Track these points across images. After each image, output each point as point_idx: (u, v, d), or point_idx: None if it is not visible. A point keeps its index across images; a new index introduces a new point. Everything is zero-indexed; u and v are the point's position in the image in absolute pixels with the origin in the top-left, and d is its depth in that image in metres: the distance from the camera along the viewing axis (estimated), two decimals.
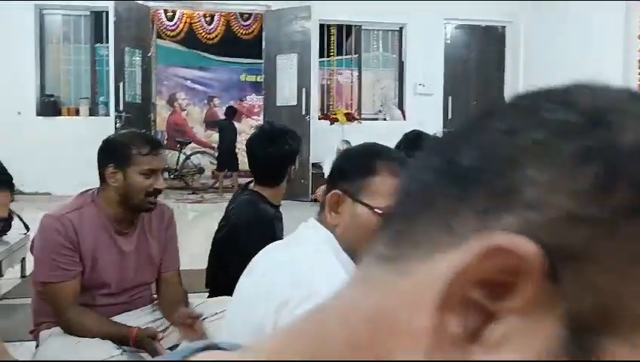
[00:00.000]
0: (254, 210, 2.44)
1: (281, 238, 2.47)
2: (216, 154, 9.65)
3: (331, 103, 9.45)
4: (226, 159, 9.13)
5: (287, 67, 8.43)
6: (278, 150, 2.46)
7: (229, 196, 8.45)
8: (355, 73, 9.57)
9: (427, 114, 8.35)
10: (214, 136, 10.38)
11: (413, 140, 2.82)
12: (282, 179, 2.50)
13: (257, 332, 1.19)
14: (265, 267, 1.29)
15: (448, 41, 9.35)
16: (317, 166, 7.98)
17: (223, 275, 2.47)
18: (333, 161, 1.40)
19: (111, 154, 2.16)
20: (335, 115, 8.92)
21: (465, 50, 9.60)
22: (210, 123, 10.92)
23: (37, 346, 2.16)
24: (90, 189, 2.24)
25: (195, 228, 6.27)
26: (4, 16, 7.68)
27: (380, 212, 1.19)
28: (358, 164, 1.29)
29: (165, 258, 2.29)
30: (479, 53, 9.62)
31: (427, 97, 8.96)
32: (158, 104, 9.43)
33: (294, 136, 2.56)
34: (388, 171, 1.23)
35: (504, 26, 9.34)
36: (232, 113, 9.36)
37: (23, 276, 4.03)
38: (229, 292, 2.32)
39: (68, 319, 2.05)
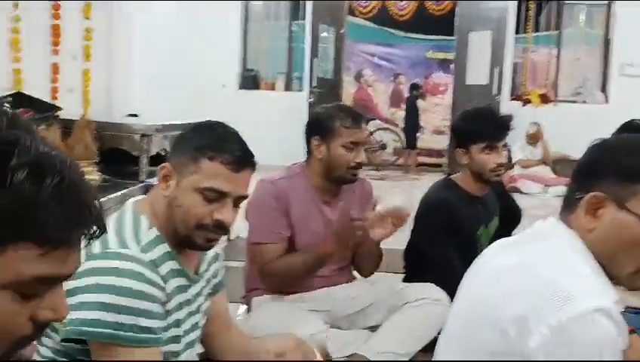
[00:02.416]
0: (443, 196, 2.41)
1: (473, 229, 2.41)
2: (401, 131, 9.66)
3: (523, 83, 8.94)
4: (409, 137, 9.11)
5: (479, 44, 8.12)
6: None
7: (411, 175, 8.49)
8: (553, 51, 8.94)
9: (636, 98, 7.56)
10: (398, 113, 10.37)
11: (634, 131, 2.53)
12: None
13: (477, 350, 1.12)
14: (490, 271, 1.21)
15: None
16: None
17: (417, 258, 2.47)
18: (586, 154, 1.17)
19: (316, 126, 2.23)
20: (528, 95, 8.43)
21: None
22: (396, 100, 10.91)
23: (248, 311, 2.32)
24: (297, 162, 2.34)
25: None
26: None
27: None
28: (628, 163, 1.09)
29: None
30: None
31: (636, 79, 8.10)
32: (345, 80, 9.62)
33: None
34: None
35: None
36: (417, 91, 9.26)
37: (228, 239, 4.34)
38: (424, 278, 2.32)
39: (272, 274, 2.14)
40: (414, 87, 9.38)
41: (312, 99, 7.79)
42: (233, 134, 1.38)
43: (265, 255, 2.14)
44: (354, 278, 2.41)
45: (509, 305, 1.06)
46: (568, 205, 1.17)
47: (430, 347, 2.21)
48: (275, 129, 7.30)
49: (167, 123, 4.40)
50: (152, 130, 4.24)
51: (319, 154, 2.19)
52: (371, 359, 2.05)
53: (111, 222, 1.33)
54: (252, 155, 1.38)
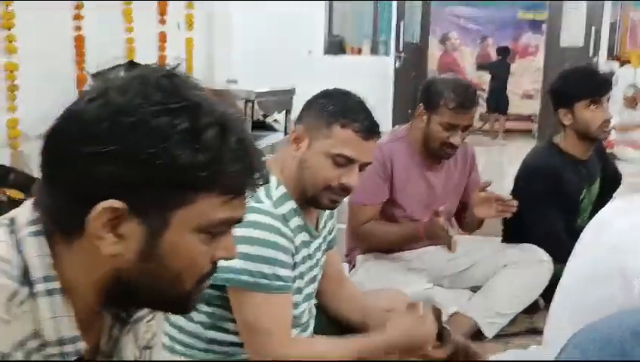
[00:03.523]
0: (547, 161, 2.39)
1: (577, 193, 2.38)
2: (486, 96, 9.41)
3: (622, 43, 8.48)
4: (496, 102, 8.88)
5: (574, 3, 7.75)
6: None
7: (499, 141, 8.30)
8: None
9: None
10: (485, 77, 10.10)
11: None
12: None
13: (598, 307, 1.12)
14: (617, 229, 1.22)
15: None
16: None
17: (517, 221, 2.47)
18: None
19: (426, 95, 2.24)
20: (627, 56, 8.00)
21: None
22: (482, 65, 10.62)
23: (350, 269, 2.40)
24: (402, 125, 2.38)
25: None
26: None
27: None
28: None
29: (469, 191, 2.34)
30: None
31: None
32: (431, 43, 9.44)
33: None
34: None
35: None
36: (504, 53, 8.97)
37: None
38: (524, 240, 2.32)
39: (366, 235, 2.21)
40: (502, 50, 9.09)
41: (398, 64, 7.73)
42: (362, 103, 1.45)
43: (361, 216, 2.21)
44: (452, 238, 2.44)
45: (637, 262, 1.08)
46: None
47: (531, 309, 2.23)
48: (361, 93, 7.31)
49: (266, 90, 4.51)
50: (253, 96, 4.36)
51: (420, 123, 2.22)
52: (474, 318, 2.09)
53: None
54: (378, 124, 1.44)
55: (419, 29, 8.40)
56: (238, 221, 0.77)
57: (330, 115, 1.40)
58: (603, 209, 1.35)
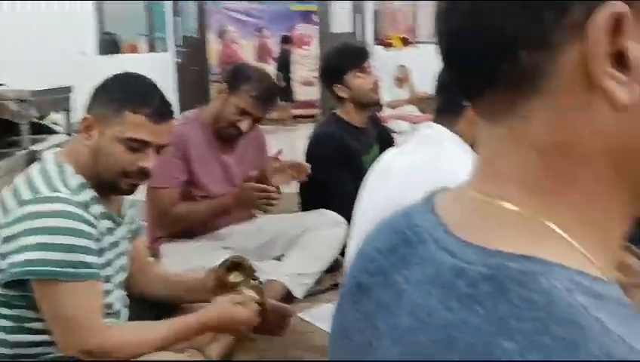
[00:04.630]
0: (331, 129, 2.63)
1: (360, 156, 2.64)
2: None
3: (384, 29, 9.33)
4: (282, 90, 9.23)
5: None
6: None
7: (287, 127, 8.65)
8: None
9: None
10: (267, 68, 10.41)
11: None
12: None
13: None
14: (396, 169, 1.39)
15: None
16: None
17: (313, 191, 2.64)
18: None
19: (232, 75, 2.32)
20: (390, 39, 8.83)
21: None
22: (262, 55, 10.93)
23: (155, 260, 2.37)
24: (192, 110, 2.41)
25: None
26: None
27: None
28: None
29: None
30: None
31: None
32: (209, 38, 9.50)
33: None
34: None
35: None
36: (287, 43, 9.37)
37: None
38: (321, 207, 2.51)
39: (173, 218, 2.23)
40: (285, 39, 9.47)
41: (179, 59, 7.67)
42: (153, 86, 1.44)
43: (164, 199, 2.21)
44: (254, 215, 2.53)
45: (415, 195, 1.25)
46: (449, 112, 1.38)
47: (333, 267, 2.42)
48: None
49: (39, 89, 4.20)
50: (26, 95, 4.04)
51: (218, 101, 2.28)
52: (284, 282, 2.20)
53: (34, 174, 1.36)
54: (170, 106, 1.45)
55: (195, 23, 8.40)
56: None
57: (120, 101, 1.39)
58: (381, 156, 1.53)
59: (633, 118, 0.37)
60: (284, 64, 9.19)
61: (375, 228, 0.51)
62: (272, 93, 2.34)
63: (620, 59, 0.36)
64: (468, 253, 0.39)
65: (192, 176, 2.25)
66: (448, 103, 1.44)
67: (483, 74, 0.40)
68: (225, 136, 2.30)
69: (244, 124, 2.25)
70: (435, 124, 1.43)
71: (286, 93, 9.16)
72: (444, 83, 1.44)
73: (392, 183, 1.35)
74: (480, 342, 0.34)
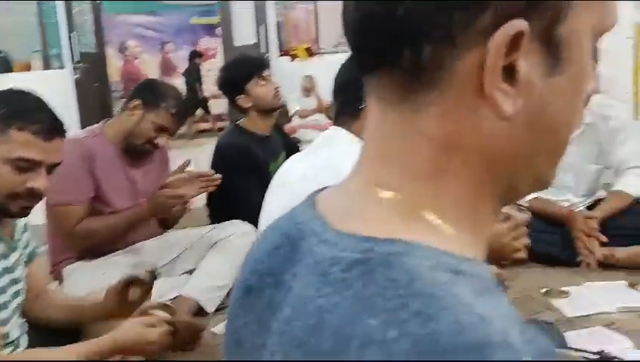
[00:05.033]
0: (234, 140, 2.65)
1: (266, 165, 2.64)
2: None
3: (288, 39, 9.40)
4: (189, 105, 9.11)
5: (242, 6, 8.33)
6: None
7: (194, 142, 8.52)
8: (310, 6, 9.49)
9: None
10: (174, 82, 10.22)
11: None
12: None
13: None
14: (292, 176, 1.40)
15: None
16: None
17: (221, 202, 2.62)
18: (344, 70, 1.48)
19: (147, 92, 2.25)
20: (295, 50, 8.90)
21: None
22: (166, 69, 10.75)
23: (59, 283, 2.26)
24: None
25: None
26: None
27: None
28: None
29: None
30: None
31: None
32: (109, 53, 9.22)
33: None
34: None
35: None
36: (195, 57, 9.28)
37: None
38: (230, 218, 2.48)
39: (79, 236, 2.12)
40: (193, 54, 9.37)
41: (77, 75, 7.39)
42: (40, 102, 1.37)
43: (71, 217, 2.10)
44: (164, 230, 2.47)
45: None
46: (347, 114, 1.41)
47: None
48: None
49: None
50: None
51: (130, 118, 2.21)
52: (194, 298, 2.16)
53: None
54: (61, 122, 1.38)
55: (93, 39, 8.12)
56: None
57: (5, 119, 1.31)
58: (285, 163, 1.54)
59: (513, 127, 0.40)
60: (196, 78, 9.08)
61: (263, 232, 0.52)
62: (187, 109, 2.34)
63: (511, 72, 0.39)
64: (344, 242, 0.40)
65: (99, 191, 2.17)
66: (345, 105, 1.47)
67: (385, 54, 0.41)
68: (137, 151, 2.24)
69: (162, 140, 2.22)
70: (335, 127, 1.47)
71: (204, 106, 9.07)
72: (341, 85, 1.47)
73: (293, 188, 1.36)
74: (348, 322, 0.36)
